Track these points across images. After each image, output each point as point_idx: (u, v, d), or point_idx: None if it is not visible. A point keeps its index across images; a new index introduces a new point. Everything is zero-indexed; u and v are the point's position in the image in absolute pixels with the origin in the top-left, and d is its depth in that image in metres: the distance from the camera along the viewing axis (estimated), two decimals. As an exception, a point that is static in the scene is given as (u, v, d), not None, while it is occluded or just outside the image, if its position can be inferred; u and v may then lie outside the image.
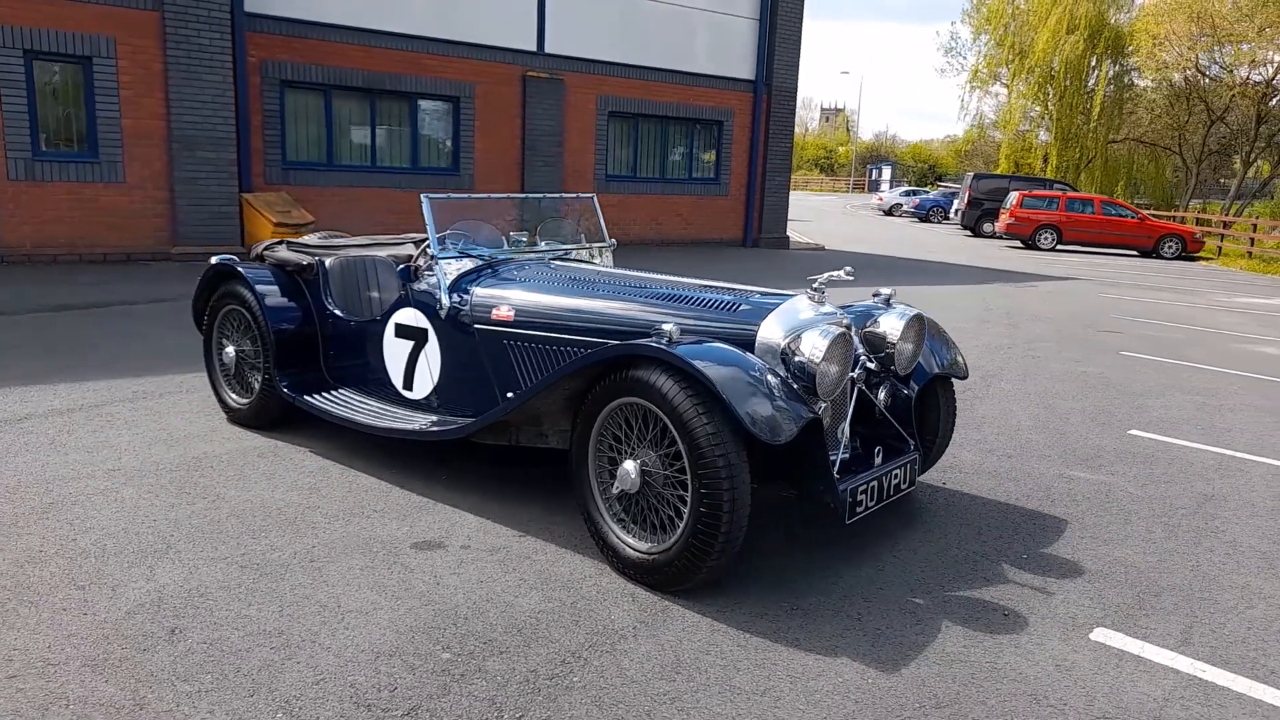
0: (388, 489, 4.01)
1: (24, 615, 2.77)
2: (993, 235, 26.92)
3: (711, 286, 3.78)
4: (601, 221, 4.90)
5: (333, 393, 4.59)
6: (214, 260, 4.94)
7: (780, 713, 2.45)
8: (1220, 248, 24.67)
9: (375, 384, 4.49)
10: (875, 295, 4.01)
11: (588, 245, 4.81)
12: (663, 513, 3.10)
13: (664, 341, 2.98)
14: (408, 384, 4.32)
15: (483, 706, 2.42)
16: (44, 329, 7.15)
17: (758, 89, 17.46)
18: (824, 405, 3.29)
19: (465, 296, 4.04)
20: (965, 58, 49.26)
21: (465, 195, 5.20)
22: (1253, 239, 23.92)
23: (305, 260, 4.76)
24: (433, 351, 4.18)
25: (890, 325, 3.68)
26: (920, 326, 3.77)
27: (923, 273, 15.41)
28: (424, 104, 14.05)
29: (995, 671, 2.71)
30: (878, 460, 3.51)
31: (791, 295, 3.49)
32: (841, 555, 3.51)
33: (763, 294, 3.57)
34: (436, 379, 4.18)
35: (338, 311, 4.66)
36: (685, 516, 2.95)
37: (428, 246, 4.16)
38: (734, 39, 17.11)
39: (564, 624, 2.88)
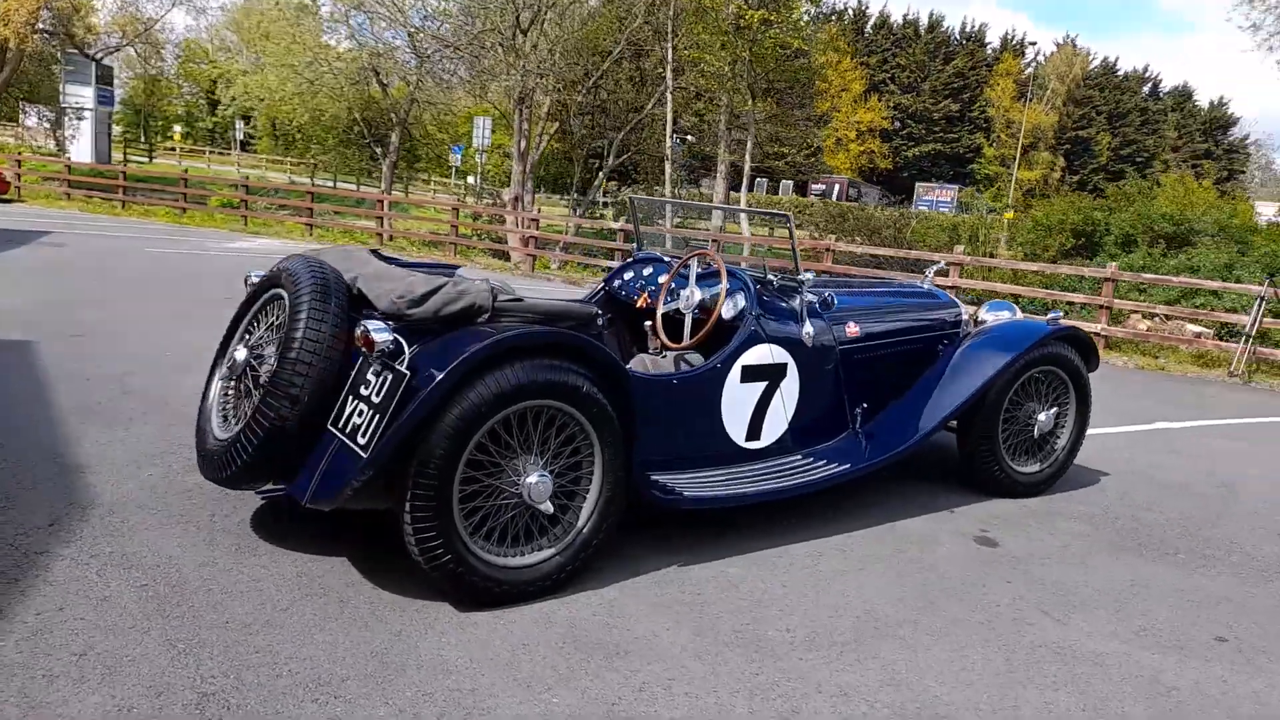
0: (790, 538, 3.51)
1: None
2: None
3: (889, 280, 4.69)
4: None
5: (657, 477, 3.19)
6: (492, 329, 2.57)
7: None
8: (21, 190, 23.74)
9: (694, 447, 3.35)
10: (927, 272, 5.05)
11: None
12: (1046, 443, 4.38)
13: (1054, 321, 4.30)
14: (753, 433, 3.50)
15: None
16: None
17: None
18: None
19: (824, 321, 3.76)
20: None
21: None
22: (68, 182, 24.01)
23: (590, 310, 2.94)
24: (790, 387, 3.60)
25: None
26: None
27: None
28: None
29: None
30: None
31: (930, 286, 4.79)
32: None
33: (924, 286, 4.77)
34: (790, 417, 3.63)
35: (637, 369, 3.09)
36: (1067, 436, 4.40)
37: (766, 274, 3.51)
38: None
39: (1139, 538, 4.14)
